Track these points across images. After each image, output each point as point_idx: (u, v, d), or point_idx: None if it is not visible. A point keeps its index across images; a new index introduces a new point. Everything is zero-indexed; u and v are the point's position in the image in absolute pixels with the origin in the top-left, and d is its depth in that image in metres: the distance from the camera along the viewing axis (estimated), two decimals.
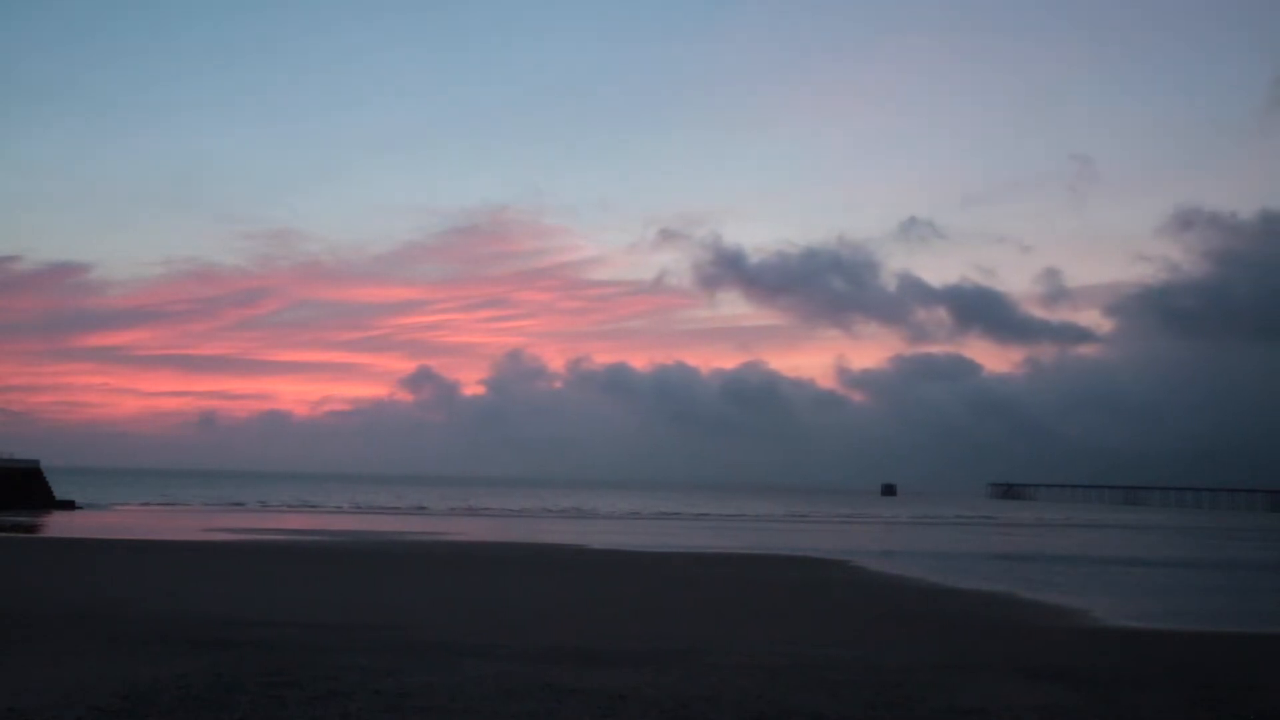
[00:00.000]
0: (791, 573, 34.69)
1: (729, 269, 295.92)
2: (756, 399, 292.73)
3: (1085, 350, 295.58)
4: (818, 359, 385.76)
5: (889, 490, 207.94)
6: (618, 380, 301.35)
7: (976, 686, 12.84)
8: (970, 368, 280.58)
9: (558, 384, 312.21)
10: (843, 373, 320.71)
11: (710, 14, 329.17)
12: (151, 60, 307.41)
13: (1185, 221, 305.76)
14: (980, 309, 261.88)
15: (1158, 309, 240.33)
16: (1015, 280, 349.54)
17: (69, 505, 75.14)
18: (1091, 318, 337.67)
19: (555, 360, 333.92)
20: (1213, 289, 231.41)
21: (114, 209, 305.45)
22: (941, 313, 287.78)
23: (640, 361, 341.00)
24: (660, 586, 28.68)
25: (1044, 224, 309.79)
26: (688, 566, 36.36)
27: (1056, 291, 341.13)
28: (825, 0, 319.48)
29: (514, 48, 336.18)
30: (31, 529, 52.20)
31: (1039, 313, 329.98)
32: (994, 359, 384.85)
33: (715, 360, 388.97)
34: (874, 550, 48.87)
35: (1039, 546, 55.92)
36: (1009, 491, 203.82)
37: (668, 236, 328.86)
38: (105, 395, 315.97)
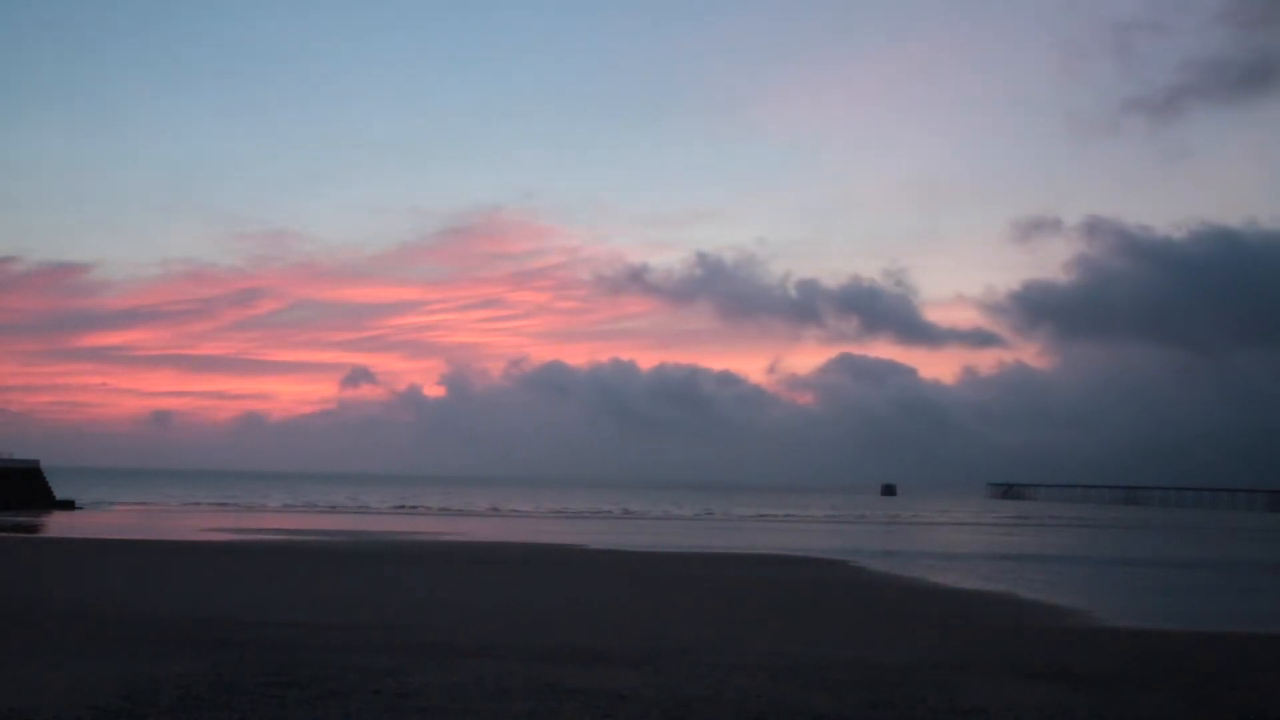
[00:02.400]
0: (791, 573, 34.70)
1: (725, 269, 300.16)
2: (752, 400, 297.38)
3: (994, 352, 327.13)
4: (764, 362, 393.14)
5: (889, 490, 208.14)
6: (609, 379, 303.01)
7: (976, 686, 12.83)
8: (900, 370, 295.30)
9: (554, 383, 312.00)
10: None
11: (704, 13, 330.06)
12: (149, 63, 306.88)
13: (1026, 229, 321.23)
14: (885, 314, 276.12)
15: (1035, 311, 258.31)
16: (900, 287, 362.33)
17: (69, 505, 75.14)
18: (981, 320, 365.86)
19: (550, 360, 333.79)
20: (1074, 290, 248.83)
21: (111, 210, 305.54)
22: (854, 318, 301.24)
23: (641, 361, 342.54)
24: (660, 586, 28.68)
25: (908, 233, 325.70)
26: (687, 566, 36.36)
27: (942, 297, 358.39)
28: (815, 7, 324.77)
29: (507, 49, 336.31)
30: (31, 529, 52.21)
31: (933, 317, 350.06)
32: (906, 360, 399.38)
33: (708, 360, 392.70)
34: (874, 550, 48.88)
35: (1039, 546, 55.94)
36: (1009, 491, 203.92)
37: (663, 236, 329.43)
38: (104, 395, 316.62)
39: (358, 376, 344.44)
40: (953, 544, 57.80)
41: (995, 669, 14.47)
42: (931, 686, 12.71)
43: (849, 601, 26.23)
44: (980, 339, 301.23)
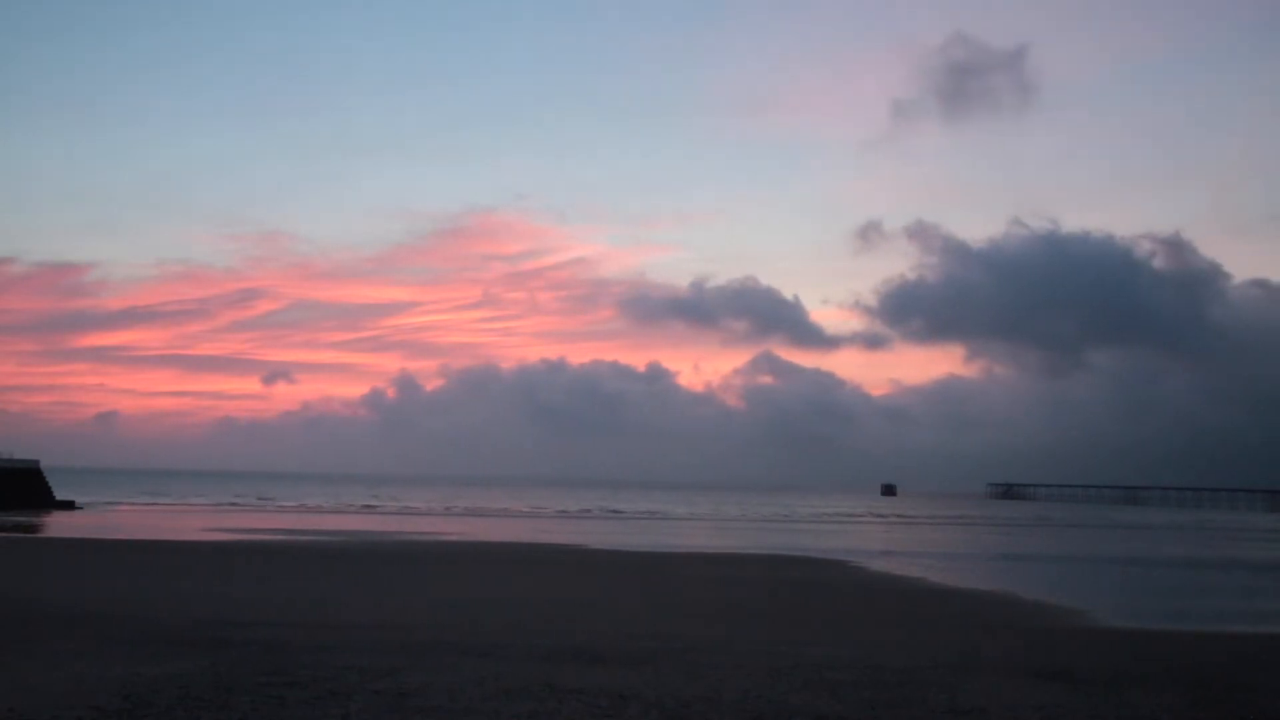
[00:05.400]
0: (791, 573, 34.69)
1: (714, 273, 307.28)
2: (749, 401, 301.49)
3: (886, 354, 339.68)
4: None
5: (889, 490, 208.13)
6: (601, 380, 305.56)
7: (976, 686, 12.82)
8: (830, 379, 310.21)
9: (548, 384, 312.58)
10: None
11: (698, 15, 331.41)
12: (145, 65, 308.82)
13: (864, 234, 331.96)
14: (775, 318, 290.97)
15: (902, 313, 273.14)
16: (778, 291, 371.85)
17: (69, 505, 75.11)
18: (859, 322, 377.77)
19: (545, 360, 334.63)
20: (936, 289, 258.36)
21: (108, 211, 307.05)
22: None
23: (628, 361, 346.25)
24: (660, 586, 28.67)
25: (766, 242, 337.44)
26: (687, 566, 36.35)
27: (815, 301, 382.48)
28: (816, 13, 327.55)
29: (501, 52, 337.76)
30: (31, 529, 52.20)
31: (817, 320, 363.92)
32: (810, 362, 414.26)
33: (704, 361, 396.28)
34: (873, 550, 48.88)
35: (1039, 546, 55.93)
36: (1008, 492, 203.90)
37: (657, 237, 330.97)
38: (102, 395, 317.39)
39: (356, 376, 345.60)
40: (952, 544, 57.80)
41: (995, 669, 14.46)
42: (932, 686, 12.70)
43: (849, 601, 26.22)
44: (870, 340, 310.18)
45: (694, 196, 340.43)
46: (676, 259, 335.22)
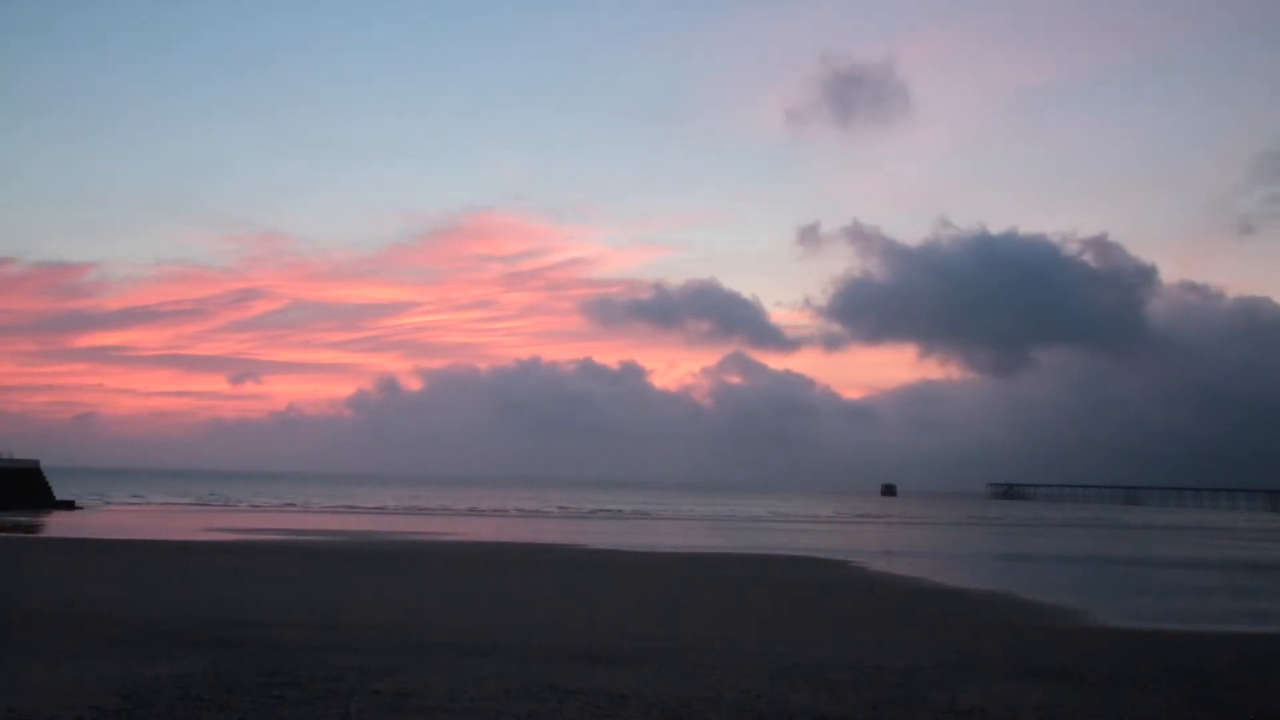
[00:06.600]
0: (792, 573, 34.69)
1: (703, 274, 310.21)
2: (747, 401, 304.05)
3: (844, 354, 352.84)
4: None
5: (889, 490, 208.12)
6: (594, 380, 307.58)
7: (976, 686, 12.82)
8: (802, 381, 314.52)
9: (545, 384, 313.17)
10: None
11: (698, 18, 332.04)
12: (143, 65, 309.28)
13: (805, 237, 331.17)
14: (739, 321, 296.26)
15: (855, 314, 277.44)
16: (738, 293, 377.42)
17: (69, 505, 75.10)
18: (814, 324, 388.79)
19: (542, 360, 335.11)
20: (869, 293, 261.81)
21: (107, 211, 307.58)
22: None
23: (614, 361, 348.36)
24: (660, 586, 28.66)
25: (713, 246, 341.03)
26: (688, 567, 36.34)
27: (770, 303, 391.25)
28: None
29: (498, 53, 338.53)
30: (31, 529, 52.20)
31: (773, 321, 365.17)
32: (775, 363, 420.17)
33: (686, 361, 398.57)
34: (874, 550, 48.88)
35: (1039, 546, 55.94)
36: (1009, 492, 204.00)
37: (654, 238, 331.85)
38: (101, 396, 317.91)
39: (354, 376, 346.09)
40: (953, 544, 57.80)
41: (995, 669, 14.47)
42: (932, 686, 12.70)
43: (849, 601, 26.22)
44: (832, 340, 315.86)
45: (692, 197, 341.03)
46: (676, 259, 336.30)
